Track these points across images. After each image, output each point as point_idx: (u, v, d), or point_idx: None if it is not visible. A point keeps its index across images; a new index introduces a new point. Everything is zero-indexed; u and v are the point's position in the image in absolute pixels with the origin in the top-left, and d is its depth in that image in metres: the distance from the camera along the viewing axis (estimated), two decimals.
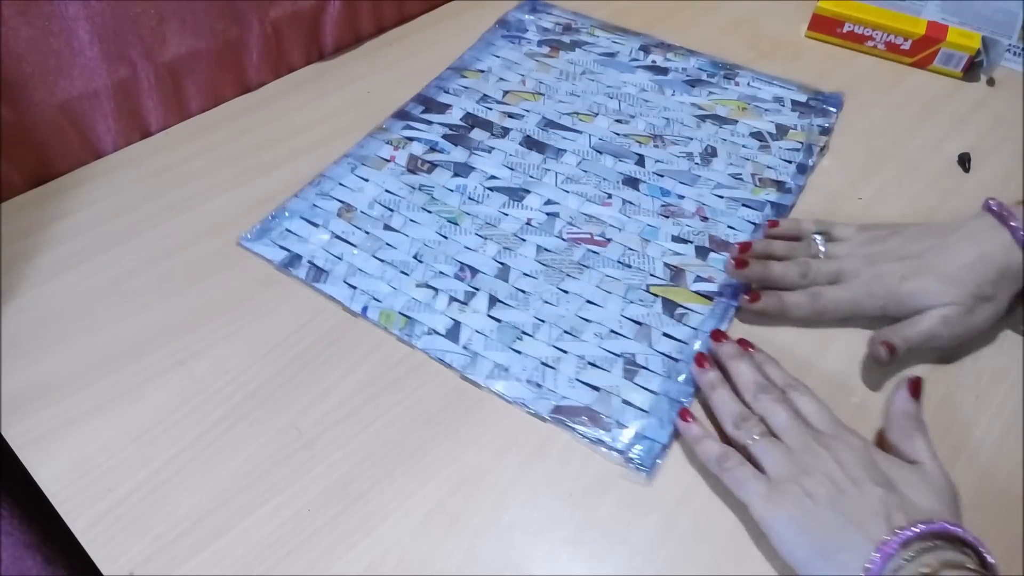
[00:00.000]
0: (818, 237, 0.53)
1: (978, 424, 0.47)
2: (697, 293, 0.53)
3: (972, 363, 0.50)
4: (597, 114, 0.67)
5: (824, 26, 0.75)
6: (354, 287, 0.52)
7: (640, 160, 0.62)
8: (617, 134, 0.65)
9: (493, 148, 0.63)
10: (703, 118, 0.66)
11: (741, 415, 0.43)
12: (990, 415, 0.47)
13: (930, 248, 0.49)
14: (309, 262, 0.54)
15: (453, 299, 0.52)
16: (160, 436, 0.44)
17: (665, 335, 0.50)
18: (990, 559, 0.35)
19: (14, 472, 0.44)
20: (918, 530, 0.35)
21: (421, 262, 0.54)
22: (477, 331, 0.50)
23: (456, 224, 0.57)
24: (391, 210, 0.58)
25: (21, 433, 0.44)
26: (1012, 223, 0.47)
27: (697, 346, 0.49)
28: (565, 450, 0.45)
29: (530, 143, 0.64)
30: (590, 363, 0.48)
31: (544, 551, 0.41)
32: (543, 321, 0.51)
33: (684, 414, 0.45)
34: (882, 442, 0.43)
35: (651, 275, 0.54)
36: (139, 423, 0.45)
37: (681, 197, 0.59)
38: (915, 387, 0.43)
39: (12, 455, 0.44)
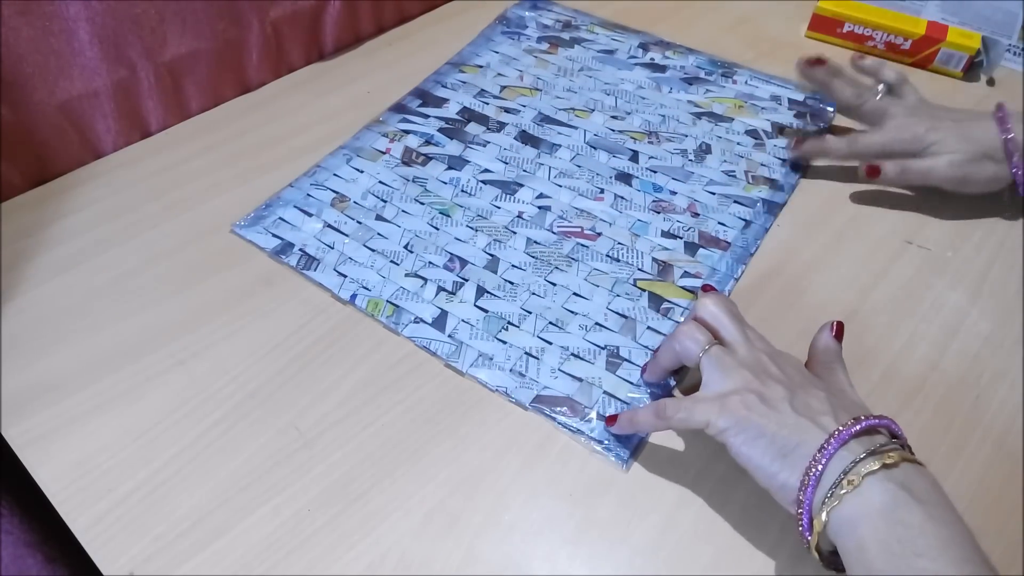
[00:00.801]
0: (882, 87, 0.60)
1: (978, 424, 0.47)
2: (683, 288, 0.53)
3: (972, 363, 0.50)
4: (593, 110, 0.67)
5: (824, 26, 0.75)
6: (344, 275, 0.53)
7: (634, 156, 0.63)
8: (612, 130, 0.65)
9: (488, 142, 0.63)
10: (699, 115, 0.67)
11: (690, 332, 0.42)
12: (990, 415, 0.47)
13: (963, 117, 0.57)
14: (301, 250, 0.54)
15: (441, 289, 0.52)
16: (160, 436, 0.44)
17: (649, 329, 0.50)
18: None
19: (14, 472, 0.44)
20: (866, 422, 0.36)
21: (412, 252, 0.54)
22: (463, 320, 0.50)
23: (448, 216, 0.57)
24: (384, 201, 0.58)
25: (21, 433, 0.44)
26: (1005, 126, 0.55)
27: None
28: (565, 450, 0.45)
29: (525, 138, 0.64)
30: (573, 354, 0.49)
31: (544, 551, 0.41)
32: (529, 312, 0.51)
33: (609, 421, 0.44)
34: None
35: (639, 269, 0.54)
36: (139, 423, 0.45)
37: (673, 193, 0.59)
38: (838, 329, 0.45)
39: (12, 455, 0.44)
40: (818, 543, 0.36)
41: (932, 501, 0.34)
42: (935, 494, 0.35)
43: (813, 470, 0.35)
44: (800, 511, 0.36)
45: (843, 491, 0.34)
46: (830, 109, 0.67)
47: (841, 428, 0.36)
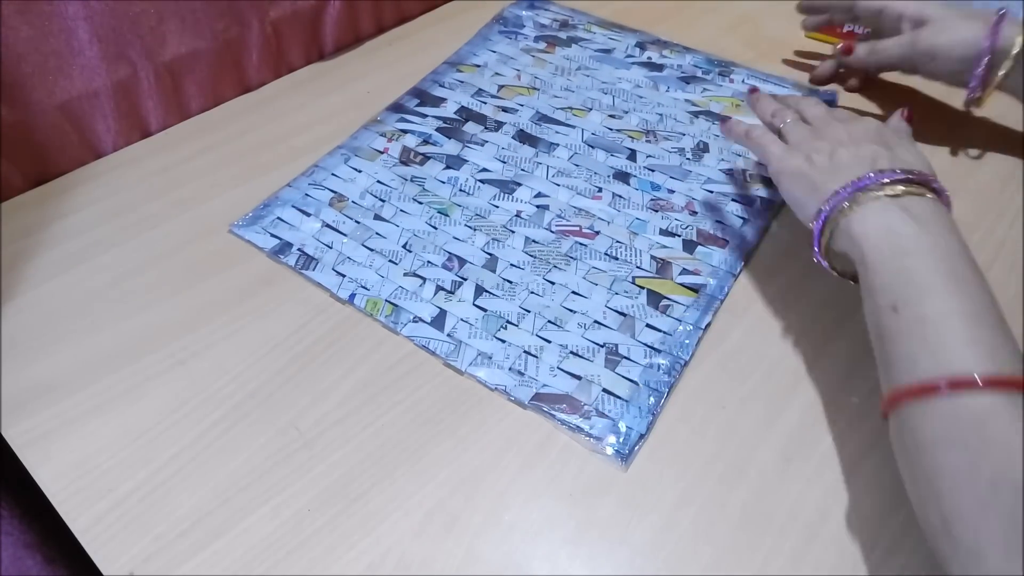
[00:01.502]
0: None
1: None
2: (682, 285, 0.53)
3: None
4: (591, 109, 0.67)
5: (824, 26, 0.75)
6: (343, 275, 0.53)
7: (632, 155, 0.62)
8: (610, 129, 0.65)
9: (486, 141, 0.63)
10: (696, 114, 0.67)
11: (778, 108, 0.52)
12: None
13: (962, 13, 0.58)
14: (299, 250, 0.54)
15: (440, 288, 0.52)
16: (160, 436, 0.44)
17: (648, 326, 0.50)
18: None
19: (14, 472, 0.44)
20: (898, 174, 0.42)
21: (410, 252, 0.54)
22: (462, 319, 0.50)
23: (446, 215, 0.57)
24: (382, 200, 0.58)
25: (21, 433, 0.44)
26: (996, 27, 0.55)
27: (679, 332, 0.50)
28: (565, 450, 0.45)
29: (523, 137, 0.64)
30: (572, 352, 0.49)
31: (544, 551, 0.41)
32: (528, 311, 0.51)
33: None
34: None
35: (637, 267, 0.54)
36: (139, 423, 0.45)
37: (671, 191, 0.59)
38: (909, 114, 0.50)
39: (12, 455, 0.44)
40: (832, 263, 0.44)
41: (930, 220, 0.39)
42: (936, 216, 0.40)
43: (832, 199, 0.42)
44: (813, 225, 0.44)
45: (847, 208, 0.42)
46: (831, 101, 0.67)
47: (873, 173, 0.42)
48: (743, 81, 0.70)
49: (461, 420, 0.46)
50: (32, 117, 0.56)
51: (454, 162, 0.61)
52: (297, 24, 0.68)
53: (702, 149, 0.63)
